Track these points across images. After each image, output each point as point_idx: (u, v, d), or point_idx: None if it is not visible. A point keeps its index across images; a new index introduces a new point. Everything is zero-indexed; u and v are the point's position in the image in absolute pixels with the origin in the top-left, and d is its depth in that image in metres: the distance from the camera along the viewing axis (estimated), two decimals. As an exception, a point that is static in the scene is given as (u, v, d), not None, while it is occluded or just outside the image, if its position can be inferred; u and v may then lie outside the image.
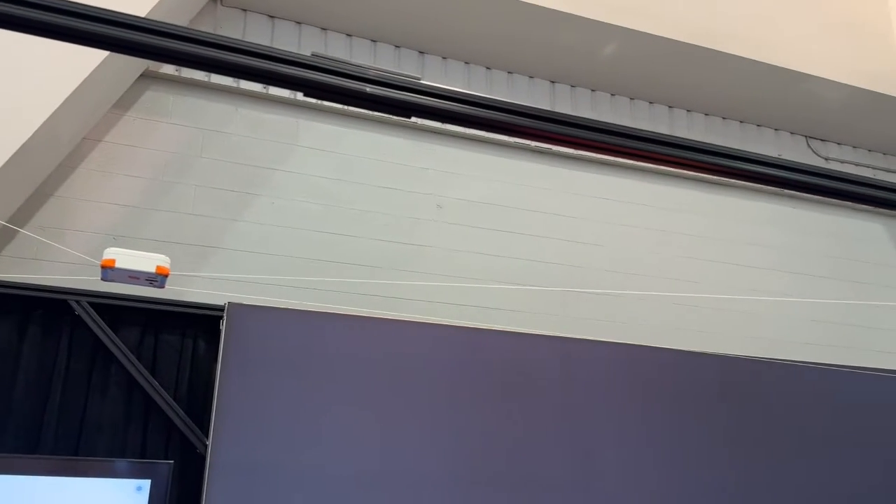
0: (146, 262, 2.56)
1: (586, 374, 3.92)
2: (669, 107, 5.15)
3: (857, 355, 5.02)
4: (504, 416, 3.71)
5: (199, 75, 4.04)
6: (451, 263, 4.26)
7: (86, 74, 3.25)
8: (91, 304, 3.45)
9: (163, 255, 2.61)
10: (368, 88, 1.76)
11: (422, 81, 1.77)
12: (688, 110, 5.19)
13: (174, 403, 3.47)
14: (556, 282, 4.44)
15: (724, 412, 4.12)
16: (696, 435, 4.02)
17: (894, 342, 5.20)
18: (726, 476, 4.01)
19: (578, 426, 3.82)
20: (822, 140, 5.59)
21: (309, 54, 1.76)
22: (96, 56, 3.28)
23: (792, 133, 5.50)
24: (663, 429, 3.97)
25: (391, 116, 4.34)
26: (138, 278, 2.58)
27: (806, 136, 5.54)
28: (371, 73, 1.77)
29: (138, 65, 3.82)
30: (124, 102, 3.90)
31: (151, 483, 3.02)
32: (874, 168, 5.64)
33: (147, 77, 3.97)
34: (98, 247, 3.60)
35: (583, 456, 3.77)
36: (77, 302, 3.43)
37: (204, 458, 3.33)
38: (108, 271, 2.51)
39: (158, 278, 2.57)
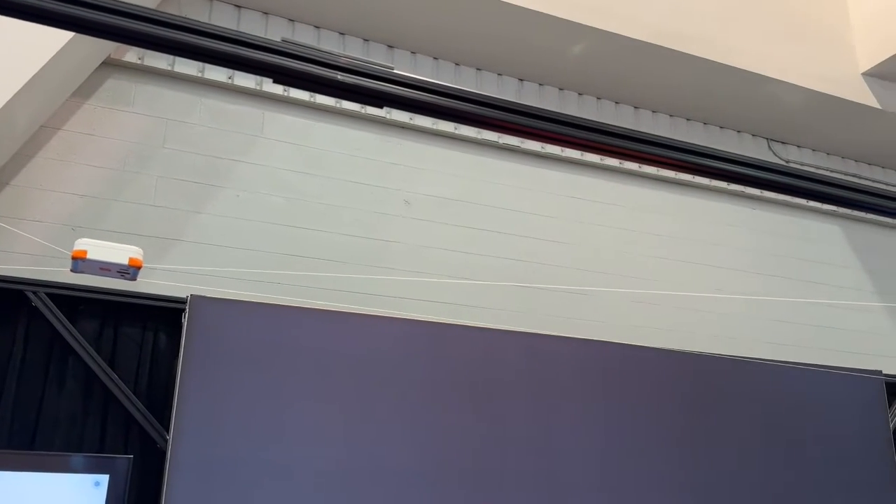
0: (118, 253, 2.49)
1: (554, 370, 3.93)
2: (635, 107, 5.19)
3: (817, 354, 5.12)
4: (471, 412, 3.71)
5: (161, 64, 3.96)
6: (418, 259, 4.25)
7: (45, 60, 3.16)
8: (49, 294, 3.36)
9: (135, 247, 2.54)
10: (340, 76, 1.73)
11: (395, 71, 1.75)
12: (653, 111, 5.24)
13: (134, 397, 3.40)
14: (524, 279, 4.45)
15: (691, 409, 4.17)
16: (662, 431, 4.06)
17: (852, 342, 5.32)
18: (694, 472, 4.06)
19: (545, 422, 3.83)
20: (782, 143, 5.69)
21: (279, 40, 1.73)
22: (56, 42, 3.19)
23: (754, 135, 5.59)
24: (630, 425, 4.00)
25: (359, 110, 4.31)
26: (110, 270, 2.51)
27: (767, 139, 5.64)
28: (343, 61, 1.75)
29: (100, 52, 3.73)
30: (85, 90, 3.81)
31: (110, 478, 2.95)
32: (833, 171, 5.75)
33: (109, 65, 3.89)
34: (56, 237, 3.51)
35: (549, 452, 3.79)
36: (34, 293, 3.34)
37: (164, 453, 3.27)
38: (79, 262, 2.44)
39: (131, 270, 2.51)
